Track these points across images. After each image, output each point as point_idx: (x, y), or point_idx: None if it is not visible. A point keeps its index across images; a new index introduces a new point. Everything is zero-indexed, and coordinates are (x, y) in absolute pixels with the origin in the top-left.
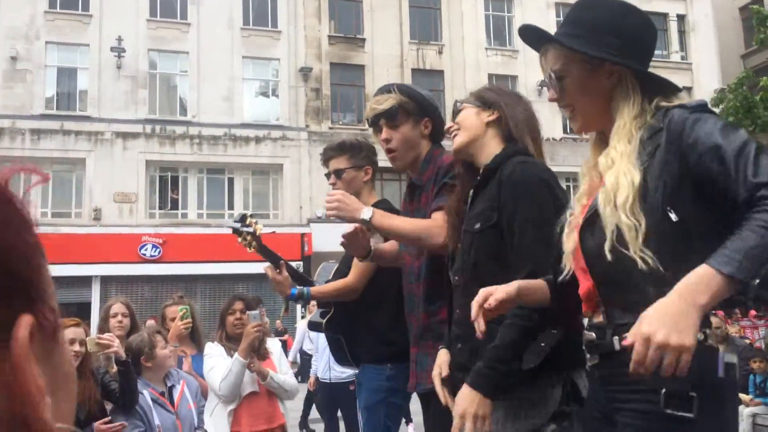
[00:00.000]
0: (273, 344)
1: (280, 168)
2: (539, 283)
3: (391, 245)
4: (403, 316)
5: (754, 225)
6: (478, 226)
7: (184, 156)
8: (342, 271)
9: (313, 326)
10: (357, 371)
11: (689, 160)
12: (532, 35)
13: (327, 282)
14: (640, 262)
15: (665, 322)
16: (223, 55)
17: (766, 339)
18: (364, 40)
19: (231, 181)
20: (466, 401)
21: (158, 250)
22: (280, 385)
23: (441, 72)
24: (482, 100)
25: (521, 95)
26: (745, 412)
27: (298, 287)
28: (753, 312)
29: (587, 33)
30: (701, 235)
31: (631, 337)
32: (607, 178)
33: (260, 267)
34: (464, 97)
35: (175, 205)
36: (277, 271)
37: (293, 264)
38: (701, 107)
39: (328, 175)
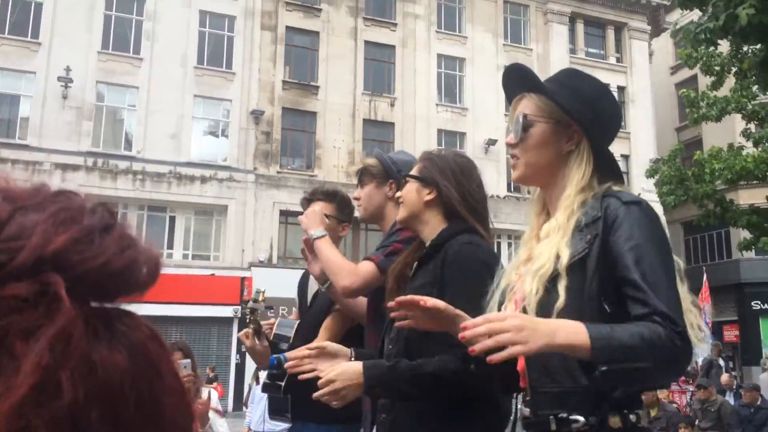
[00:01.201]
0: (205, 393)
1: (225, 209)
2: None
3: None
4: None
5: (642, 330)
6: None
7: (126, 192)
8: (308, 328)
9: (267, 388)
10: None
11: (611, 256)
12: (516, 77)
13: (287, 341)
14: None
15: (532, 322)
16: (174, 92)
17: (693, 405)
18: (317, 87)
19: (172, 219)
20: (345, 374)
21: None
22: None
23: (392, 124)
24: (423, 176)
25: (467, 167)
26: None
27: (275, 356)
28: (682, 378)
29: (568, 95)
30: None
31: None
32: (538, 248)
33: (194, 310)
34: (416, 165)
35: None
36: (256, 340)
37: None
38: (635, 202)
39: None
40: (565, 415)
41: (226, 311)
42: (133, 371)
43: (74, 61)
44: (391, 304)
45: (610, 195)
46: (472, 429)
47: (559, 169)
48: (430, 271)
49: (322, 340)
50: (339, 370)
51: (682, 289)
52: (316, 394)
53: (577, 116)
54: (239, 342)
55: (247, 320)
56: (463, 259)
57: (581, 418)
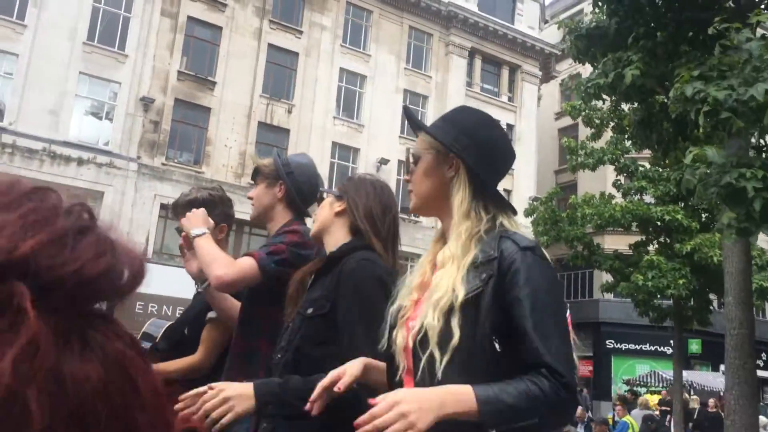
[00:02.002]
0: None
1: (101, 196)
2: (383, 365)
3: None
4: None
5: (527, 386)
6: (310, 311)
7: None
8: (175, 333)
9: None
10: None
11: (506, 301)
12: (410, 117)
13: (154, 341)
14: (438, 363)
15: (416, 400)
16: (57, 66)
17: None
18: (214, 83)
19: None
20: (235, 387)
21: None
22: None
23: (287, 131)
24: (340, 190)
25: (380, 190)
26: None
27: None
28: None
29: (447, 127)
30: (513, 371)
31: (381, 397)
32: (434, 278)
33: None
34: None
35: None
36: None
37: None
38: (530, 248)
39: (178, 231)
40: None
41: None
42: (106, 384)
43: None
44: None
45: (507, 237)
46: None
47: (446, 197)
48: (326, 283)
49: (201, 354)
50: (225, 384)
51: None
52: (205, 406)
53: (449, 144)
54: None
55: None
56: (358, 275)
57: None
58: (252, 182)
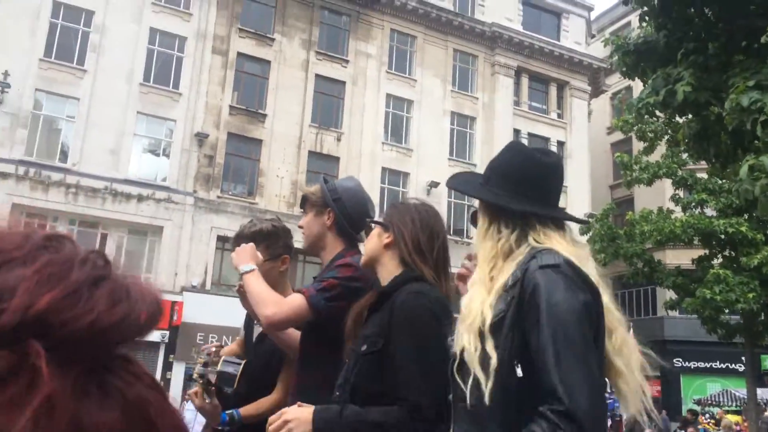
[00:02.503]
0: None
1: (160, 230)
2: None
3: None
4: None
5: (534, 428)
6: (364, 348)
7: (57, 204)
8: (254, 371)
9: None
10: None
11: (527, 324)
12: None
13: (231, 382)
14: (483, 386)
15: (299, 418)
16: (116, 108)
17: None
18: (265, 115)
19: (104, 237)
20: (297, 414)
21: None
22: None
23: (337, 158)
24: (386, 220)
25: (426, 216)
26: None
27: (227, 412)
28: None
29: (487, 180)
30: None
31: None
32: (465, 299)
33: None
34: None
35: None
36: (206, 398)
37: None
38: (551, 266)
39: None
40: None
41: (154, 336)
42: (127, 430)
43: (14, 66)
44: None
45: (536, 255)
46: None
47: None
48: (378, 319)
49: (279, 393)
50: (291, 410)
51: (626, 336)
52: (269, 428)
53: (470, 192)
54: (164, 366)
55: (195, 378)
56: (410, 310)
57: None
58: (302, 210)
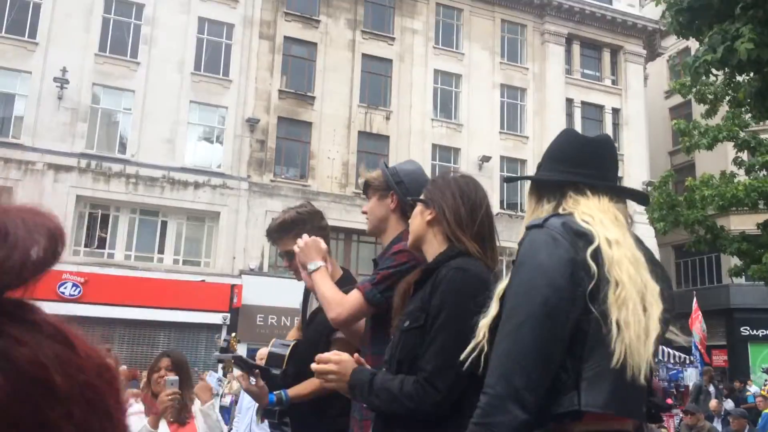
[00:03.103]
0: (209, 407)
1: (217, 216)
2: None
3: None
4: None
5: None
6: (406, 324)
7: (118, 195)
8: (302, 352)
9: (267, 414)
10: None
11: None
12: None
13: (280, 363)
14: None
15: (342, 370)
16: (169, 98)
17: (681, 430)
18: (314, 98)
19: (164, 224)
20: (342, 366)
21: (78, 289)
22: (211, 424)
23: (387, 137)
24: (426, 197)
25: (467, 188)
26: None
27: (275, 393)
28: (669, 400)
29: (538, 166)
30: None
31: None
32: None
33: (183, 316)
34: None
35: (102, 244)
36: (252, 380)
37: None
38: (534, 226)
39: (281, 255)
40: None
41: (216, 318)
42: (13, 394)
43: (71, 62)
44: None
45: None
46: None
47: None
48: (420, 295)
49: None
50: (342, 359)
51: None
52: (315, 366)
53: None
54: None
55: (217, 361)
56: (449, 286)
57: None
58: (356, 192)
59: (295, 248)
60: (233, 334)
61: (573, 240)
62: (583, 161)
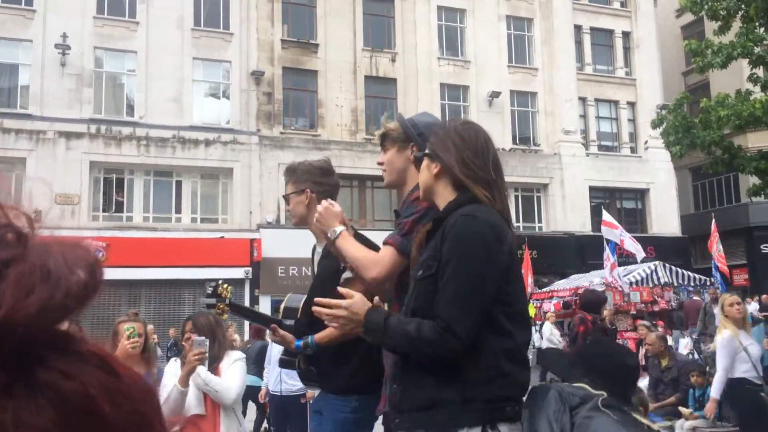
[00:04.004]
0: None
1: (230, 172)
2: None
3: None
4: (376, 350)
5: None
6: (420, 273)
7: (130, 158)
8: (311, 298)
9: (284, 364)
10: (311, 390)
11: None
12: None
13: (294, 315)
14: None
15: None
16: (172, 56)
17: (704, 353)
18: (317, 45)
19: (179, 184)
20: (354, 307)
21: (101, 253)
22: (206, 383)
23: (394, 80)
24: (429, 151)
25: (467, 134)
26: (685, 425)
27: (302, 339)
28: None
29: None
30: None
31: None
32: None
33: (205, 272)
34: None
35: (119, 208)
36: (273, 332)
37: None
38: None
39: (286, 199)
40: None
41: (238, 272)
42: (63, 426)
43: (70, 27)
44: (315, 309)
45: None
46: (475, 393)
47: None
48: (432, 244)
49: None
50: (353, 302)
51: None
52: (319, 310)
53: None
54: (251, 300)
55: (208, 308)
56: (457, 233)
57: None
58: (366, 138)
59: (315, 217)
60: (220, 280)
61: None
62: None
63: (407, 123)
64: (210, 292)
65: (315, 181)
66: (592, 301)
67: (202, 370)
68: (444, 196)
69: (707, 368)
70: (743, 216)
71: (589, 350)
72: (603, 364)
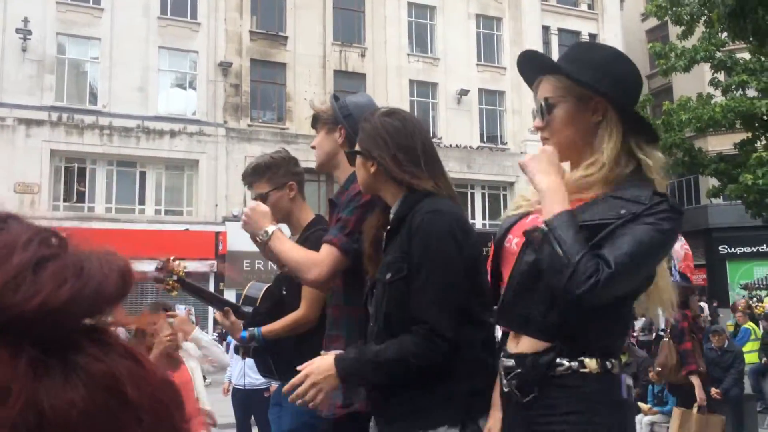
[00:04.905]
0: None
1: (196, 164)
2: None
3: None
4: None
5: None
6: (389, 276)
7: (93, 147)
8: (274, 294)
9: (239, 350)
10: (273, 383)
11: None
12: (530, 62)
13: (254, 304)
14: None
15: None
16: (137, 44)
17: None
18: (286, 38)
19: (143, 175)
20: (319, 368)
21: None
22: (207, 347)
23: (363, 75)
24: (362, 147)
25: (392, 123)
26: (644, 420)
27: (248, 330)
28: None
29: (583, 68)
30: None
31: (300, 367)
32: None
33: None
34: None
35: (81, 198)
36: (224, 315)
37: (211, 262)
38: (679, 213)
39: (255, 199)
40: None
41: (203, 266)
42: (92, 406)
43: (32, 12)
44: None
45: (659, 195)
46: (458, 388)
47: (589, 142)
48: (398, 245)
49: (304, 308)
50: (311, 366)
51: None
52: (294, 395)
53: (595, 87)
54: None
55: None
56: (426, 231)
57: (565, 362)
58: (314, 129)
59: (242, 219)
60: (171, 257)
61: None
62: (637, 99)
63: (336, 105)
64: (159, 266)
65: (294, 172)
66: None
67: (198, 331)
68: (390, 191)
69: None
70: (702, 218)
71: None
72: None
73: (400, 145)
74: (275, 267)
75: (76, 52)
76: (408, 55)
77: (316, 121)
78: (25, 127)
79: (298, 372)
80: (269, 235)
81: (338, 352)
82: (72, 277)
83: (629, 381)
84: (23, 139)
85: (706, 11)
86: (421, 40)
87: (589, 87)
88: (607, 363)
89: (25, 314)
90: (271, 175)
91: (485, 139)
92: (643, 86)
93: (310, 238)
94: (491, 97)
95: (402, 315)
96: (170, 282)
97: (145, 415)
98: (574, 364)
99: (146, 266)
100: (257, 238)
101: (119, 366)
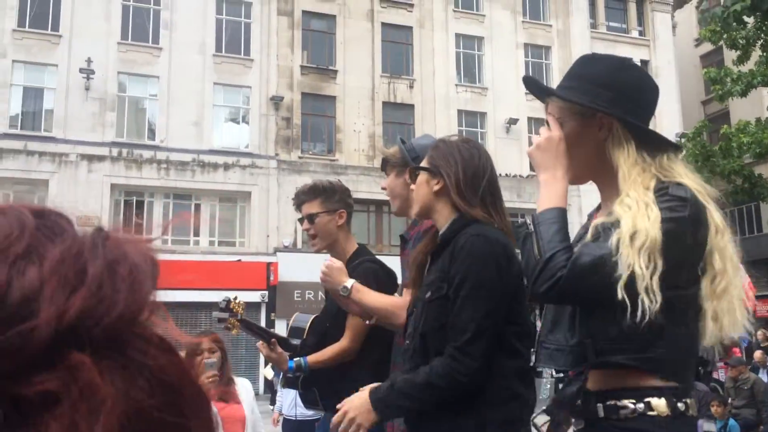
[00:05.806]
0: (242, 385)
1: (248, 196)
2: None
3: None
4: (386, 370)
5: None
6: (428, 295)
7: (151, 180)
8: (321, 324)
9: (289, 383)
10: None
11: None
12: (534, 87)
13: (301, 335)
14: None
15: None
16: (193, 81)
17: (725, 383)
18: (336, 71)
19: (198, 207)
20: (356, 404)
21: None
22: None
23: (411, 106)
24: (429, 166)
25: (467, 150)
26: None
27: (294, 360)
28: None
29: (581, 85)
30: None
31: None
32: (623, 221)
33: (222, 296)
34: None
35: (138, 231)
36: (271, 348)
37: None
38: (683, 200)
39: (301, 220)
40: (613, 402)
41: (254, 296)
42: (153, 397)
43: (95, 52)
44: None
45: (666, 187)
46: (490, 415)
47: (603, 158)
48: (439, 265)
49: (347, 339)
50: (349, 403)
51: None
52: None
53: (591, 104)
54: (268, 324)
55: (218, 320)
56: (468, 253)
57: (630, 405)
58: (384, 173)
59: (320, 277)
60: (235, 296)
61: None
62: (653, 103)
63: (404, 148)
64: (223, 306)
65: (347, 202)
66: None
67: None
68: (444, 214)
69: (729, 399)
70: (765, 246)
71: None
72: None
73: (467, 170)
74: (323, 295)
75: (136, 90)
76: (456, 85)
77: (385, 164)
78: (88, 162)
79: (338, 401)
80: (349, 290)
81: (374, 385)
82: (132, 276)
83: (709, 426)
84: (85, 174)
85: (762, 35)
86: (468, 70)
87: (582, 105)
88: (680, 404)
89: (110, 326)
90: (325, 199)
91: (531, 168)
92: (700, 112)
93: (357, 269)
94: (540, 125)
95: (437, 335)
96: (232, 321)
97: (190, 400)
98: (640, 406)
99: (201, 296)
100: (339, 293)
101: (167, 361)
